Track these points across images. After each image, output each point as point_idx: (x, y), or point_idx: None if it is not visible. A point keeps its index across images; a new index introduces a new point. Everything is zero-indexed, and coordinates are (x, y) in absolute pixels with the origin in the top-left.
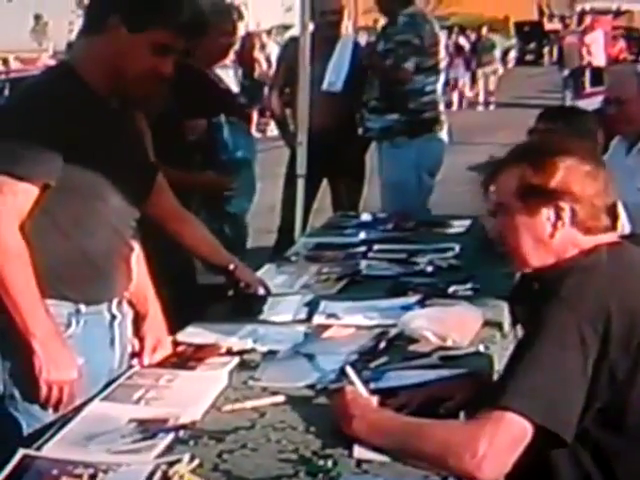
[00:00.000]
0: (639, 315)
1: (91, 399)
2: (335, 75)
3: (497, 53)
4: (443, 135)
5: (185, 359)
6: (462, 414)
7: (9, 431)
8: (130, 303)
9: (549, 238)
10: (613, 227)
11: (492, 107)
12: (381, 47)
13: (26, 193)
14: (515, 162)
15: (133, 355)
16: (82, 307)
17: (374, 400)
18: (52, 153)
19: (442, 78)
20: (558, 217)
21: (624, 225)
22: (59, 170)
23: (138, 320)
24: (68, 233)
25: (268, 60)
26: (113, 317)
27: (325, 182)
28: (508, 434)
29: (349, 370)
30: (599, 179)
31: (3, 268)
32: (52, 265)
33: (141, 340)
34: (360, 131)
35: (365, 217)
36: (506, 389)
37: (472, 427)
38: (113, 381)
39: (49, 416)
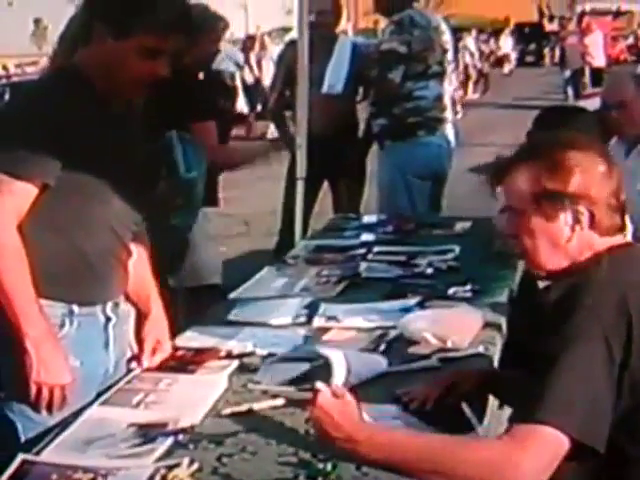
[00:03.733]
0: None
1: (90, 403)
2: (335, 77)
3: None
4: (436, 139)
5: (184, 363)
6: (464, 405)
7: (5, 432)
8: (132, 302)
9: (566, 242)
10: (623, 225)
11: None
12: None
13: (24, 193)
14: (526, 163)
15: (132, 358)
16: (75, 308)
17: (354, 402)
18: (52, 153)
19: (441, 82)
20: (576, 221)
21: (628, 227)
22: (58, 170)
23: (140, 320)
24: (65, 233)
25: (269, 63)
26: (108, 319)
27: (326, 184)
28: (548, 449)
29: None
30: (613, 178)
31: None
32: (47, 265)
33: (141, 342)
34: (361, 133)
35: (366, 219)
36: (542, 403)
37: (511, 443)
38: (112, 385)
39: (44, 418)
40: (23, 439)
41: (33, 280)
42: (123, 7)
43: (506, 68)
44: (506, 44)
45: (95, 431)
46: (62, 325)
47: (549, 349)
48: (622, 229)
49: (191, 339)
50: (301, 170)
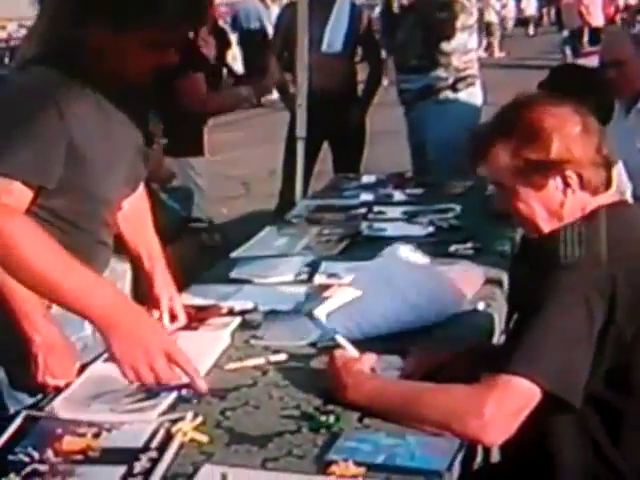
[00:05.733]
0: None
1: (94, 360)
2: (334, 36)
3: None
4: (480, 90)
5: (187, 320)
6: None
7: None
8: (135, 261)
9: (560, 207)
10: (609, 179)
11: None
12: (433, 3)
13: (22, 196)
14: (501, 138)
15: None
16: None
17: (369, 359)
18: (53, 155)
19: (476, 35)
20: (566, 184)
21: (626, 185)
22: (59, 173)
23: (146, 278)
24: (57, 227)
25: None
26: None
27: (326, 145)
28: (515, 398)
29: (338, 336)
30: (592, 133)
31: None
32: None
33: (156, 301)
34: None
35: (366, 179)
36: (514, 354)
37: (478, 391)
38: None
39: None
40: None
41: None
42: (123, 5)
43: (530, 30)
44: (529, 5)
45: (99, 387)
46: (49, 305)
47: (530, 303)
48: (609, 183)
49: (193, 296)
50: (301, 130)
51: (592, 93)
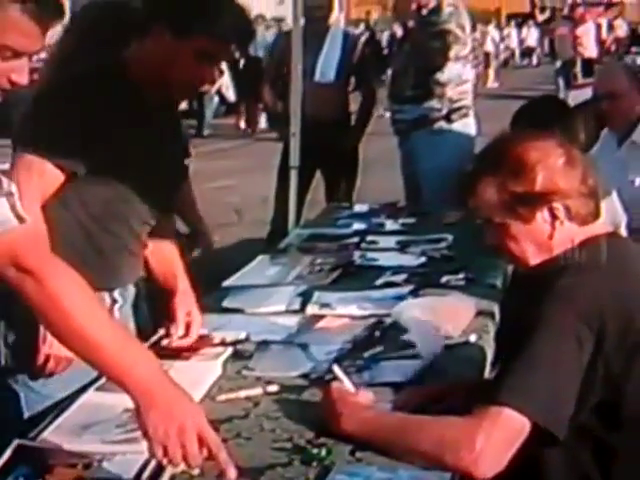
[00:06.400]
0: (635, 313)
1: (85, 388)
2: (327, 65)
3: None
4: (473, 121)
5: (179, 350)
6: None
7: (7, 403)
8: (159, 281)
9: (549, 239)
10: (597, 210)
11: None
12: (426, 33)
13: (52, 176)
14: (487, 175)
15: (166, 335)
16: None
17: (365, 395)
18: (88, 146)
19: (472, 66)
20: (554, 217)
21: (621, 216)
22: (89, 163)
23: (168, 296)
24: (84, 226)
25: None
26: (114, 301)
27: (318, 174)
28: (505, 430)
29: (335, 368)
30: (577, 165)
31: None
32: (61, 251)
33: (173, 314)
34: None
35: (358, 208)
36: (503, 386)
37: (469, 423)
38: None
39: (47, 389)
40: (25, 409)
41: None
42: (189, 8)
43: (534, 60)
44: (530, 36)
45: (91, 416)
46: None
47: (520, 333)
48: (597, 214)
49: None
50: (294, 159)
51: (560, 123)
